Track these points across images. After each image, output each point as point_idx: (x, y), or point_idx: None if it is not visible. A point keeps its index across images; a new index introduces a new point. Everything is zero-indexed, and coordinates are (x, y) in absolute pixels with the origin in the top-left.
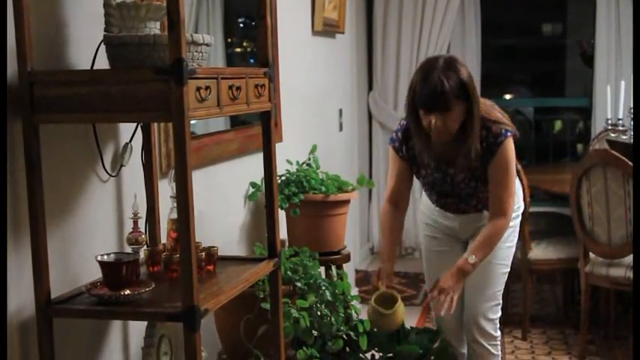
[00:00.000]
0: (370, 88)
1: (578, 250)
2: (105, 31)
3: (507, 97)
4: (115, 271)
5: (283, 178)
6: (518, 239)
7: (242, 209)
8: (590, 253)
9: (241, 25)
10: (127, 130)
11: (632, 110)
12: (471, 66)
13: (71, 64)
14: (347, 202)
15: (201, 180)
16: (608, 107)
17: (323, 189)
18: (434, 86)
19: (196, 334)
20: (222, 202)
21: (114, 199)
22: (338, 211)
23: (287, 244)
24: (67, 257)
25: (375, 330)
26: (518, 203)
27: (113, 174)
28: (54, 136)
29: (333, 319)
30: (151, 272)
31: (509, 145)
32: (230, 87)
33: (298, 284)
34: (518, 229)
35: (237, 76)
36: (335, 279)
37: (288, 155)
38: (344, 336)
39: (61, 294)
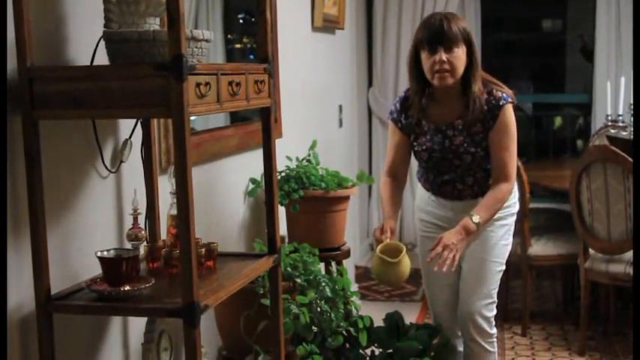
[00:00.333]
0: (370, 84)
1: (578, 246)
2: (104, 27)
3: None
4: (115, 267)
5: (283, 174)
6: (518, 235)
7: (242, 205)
8: (590, 249)
9: (241, 21)
10: (126, 126)
11: (632, 106)
12: None
13: (71, 60)
14: (347, 198)
15: (201, 176)
16: (608, 103)
17: (323, 185)
18: (439, 23)
19: (196, 330)
20: (222, 198)
21: (114, 195)
22: (338, 207)
23: (287, 240)
24: (66, 253)
25: (380, 282)
26: (514, 199)
27: (113, 170)
28: (54, 132)
29: (333, 315)
30: (150, 268)
31: (511, 111)
32: (230, 83)
33: (298, 280)
34: (513, 227)
35: (236, 72)
36: (335, 275)
37: (288, 151)
38: (344, 332)
39: (61, 290)
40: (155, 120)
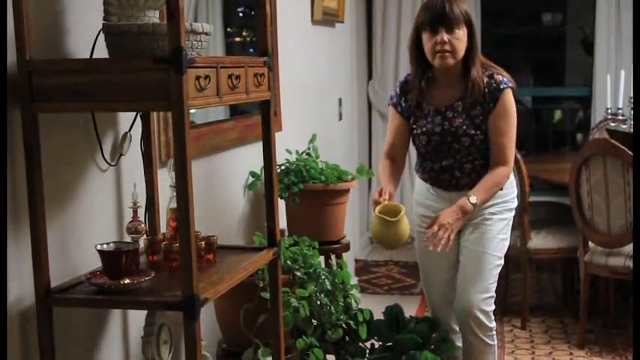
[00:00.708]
0: (370, 77)
1: (578, 239)
2: (104, 19)
3: None
4: (115, 260)
5: (283, 167)
6: (518, 228)
7: (241, 198)
8: (590, 243)
9: (241, 14)
10: (126, 119)
11: (631, 99)
12: None
13: (70, 53)
14: (346, 191)
15: (200, 169)
16: (607, 96)
17: (322, 178)
18: (441, 4)
19: (196, 323)
20: (222, 191)
21: (113, 189)
22: (337, 201)
23: (286, 233)
24: (66, 246)
25: (379, 243)
26: (513, 194)
27: (112, 163)
28: (53, 125)
29: (332, 308)
30: (150, 261)
31: (511, 95)
32: (229, 76)
33: (298, 273)
34: (511, 222)
35: (236, 65)
36: (334, 268)
37: (288, 144)
38: (343, 325)
39: (60, 283)
40: (155, 113)
